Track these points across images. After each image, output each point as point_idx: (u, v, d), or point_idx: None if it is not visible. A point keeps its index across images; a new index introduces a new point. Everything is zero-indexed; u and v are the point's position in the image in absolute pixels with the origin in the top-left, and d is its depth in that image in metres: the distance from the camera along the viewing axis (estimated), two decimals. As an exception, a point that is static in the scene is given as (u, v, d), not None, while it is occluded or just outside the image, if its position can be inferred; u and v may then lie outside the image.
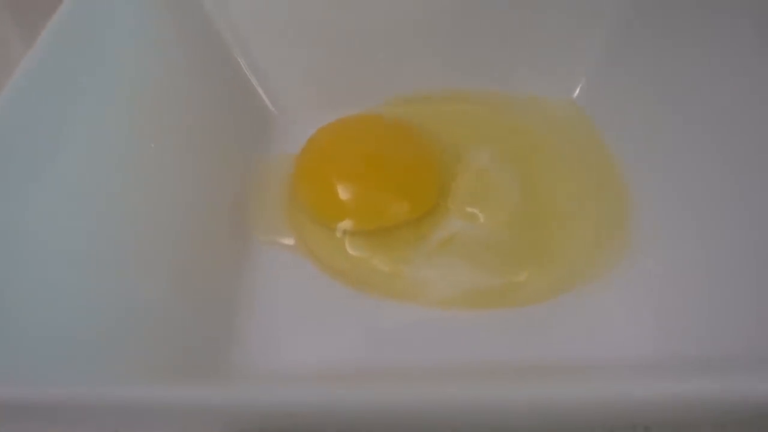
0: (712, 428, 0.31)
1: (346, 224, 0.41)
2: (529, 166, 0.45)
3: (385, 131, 0.44)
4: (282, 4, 0.46)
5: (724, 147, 0.34)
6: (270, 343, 0.36)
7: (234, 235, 0.42)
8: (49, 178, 0.31)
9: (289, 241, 0.42)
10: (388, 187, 0.41)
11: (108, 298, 0.31)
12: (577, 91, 0.48)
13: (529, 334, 0.36)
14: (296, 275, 0.40)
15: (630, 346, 0.34)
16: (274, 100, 0.50)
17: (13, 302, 0.26)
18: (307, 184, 0.43)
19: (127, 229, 0.34)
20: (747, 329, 0.29)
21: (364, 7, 0.45)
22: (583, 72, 0.48)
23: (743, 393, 0.20)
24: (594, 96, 0.47)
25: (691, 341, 0.31)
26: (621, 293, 0.37)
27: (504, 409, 0.22)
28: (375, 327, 0.37)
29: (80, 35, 0.35)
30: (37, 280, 0.28)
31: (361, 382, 0.28)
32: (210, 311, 0.37)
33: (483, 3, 0.45)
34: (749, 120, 0.32)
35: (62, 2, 0.35)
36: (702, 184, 0.35)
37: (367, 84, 0.49)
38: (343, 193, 0.40)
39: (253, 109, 0.49)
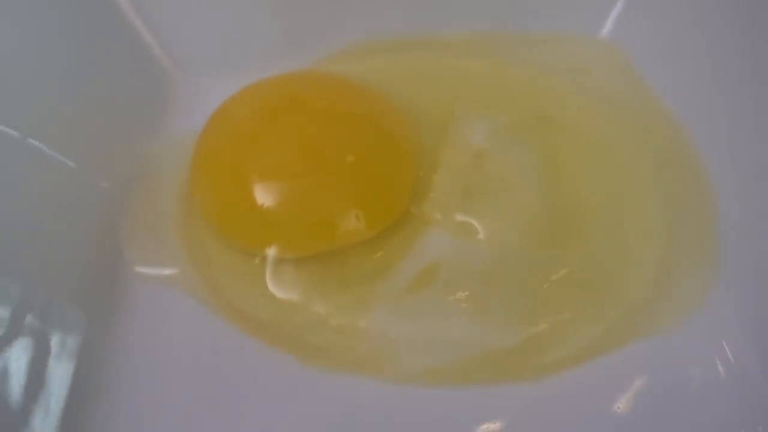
0: None
1: (268, 249, 0.35)
2: (550, 141, 0.38)
3: (328, 98, 0.38)
4: None
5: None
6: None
7: (96, 260, 0.36)
8: None
9: (183, 274, 0.36)
10: (331, 188, 0.35)
11: None
12: (608, 25, 0.43)
13: (554, 424, 0.31)
14: (192, 327, 0.34)
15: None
16: (173, 55, 0.44)
17: None
18: (209, 186, 0.37)
19: None
20: None
21: None
22: None
23: None
24: (633, 30, 0.42)
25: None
26: (696, 353, 0.32)
27: None
28: (314, 414, 0.31)
29: None
30: None
31: None
32: (45, 385, 0.31)
33: None
34: None
35: None
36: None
37: (302, 29, 0.43)
38: (263, 200, 0.34)
39: (143, 68, 0.43)
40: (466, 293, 0.34)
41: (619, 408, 0.31)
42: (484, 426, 0.31)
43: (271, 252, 0.35)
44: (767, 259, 0.32)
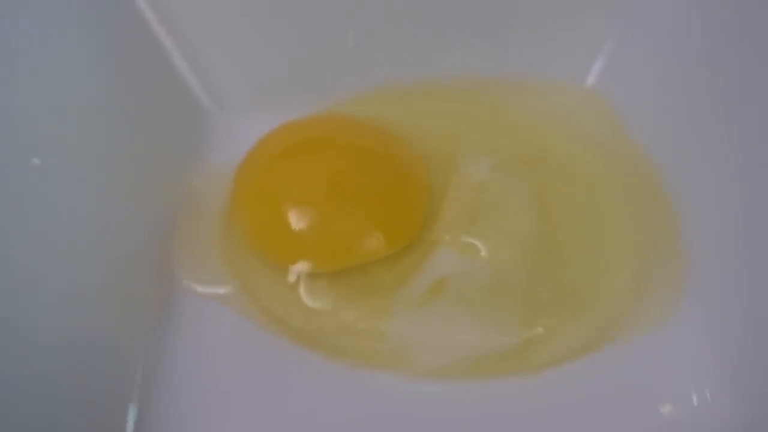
0: None
1: (301, 265, 0.36)
2: (542, 177, 0.40)
3: (352, 138, 0.39)
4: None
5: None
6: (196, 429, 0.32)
7: (151, 280, 0.37)
8: None
9: (226, 288, 0.37)
10: (356, 213, 0.36)
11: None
12: (593, 76, 0.44)
13: (552, 410, 0.32)
14: (235, 334, 0.35)
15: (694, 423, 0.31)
16: (212, 94, 0.44)
17: None
18: (249, 211, 0.38)
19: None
20: None
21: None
22: (599, 48, 0.43)
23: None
24: (615, 80, 0.43)
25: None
26: (673, 351, 0.34)
27: None
28: (342, 406, 0.33)
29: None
30: None
31: None
32: (112, 390, 0.33)
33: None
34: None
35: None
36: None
37: (329, 75, 0.44)
38: (297, 223, 0.35)
39: (185, 107, 0.44)
40: (471, 302, 0.35)
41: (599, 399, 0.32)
42: (489, 413, 0.32)
43: (304, 268, 0.36)
44: (730, 286, 0.33)
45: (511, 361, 0.34)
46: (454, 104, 0.44)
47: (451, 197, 0.39)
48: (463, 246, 0.37)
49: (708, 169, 0.36)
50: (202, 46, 0.42)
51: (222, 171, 0.40)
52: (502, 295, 0.35)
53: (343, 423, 0.33)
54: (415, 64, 0.44)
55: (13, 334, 0.29)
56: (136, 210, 0.38)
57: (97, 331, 0.33)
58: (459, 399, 0.33)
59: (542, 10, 0.42)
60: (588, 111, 0.43)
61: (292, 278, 0.36)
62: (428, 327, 0.35)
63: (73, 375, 0.31)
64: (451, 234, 0.37)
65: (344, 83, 0.44)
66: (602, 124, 0.42)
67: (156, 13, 0.41)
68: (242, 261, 0.38)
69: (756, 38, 0.32)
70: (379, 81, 0.44)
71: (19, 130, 0.32)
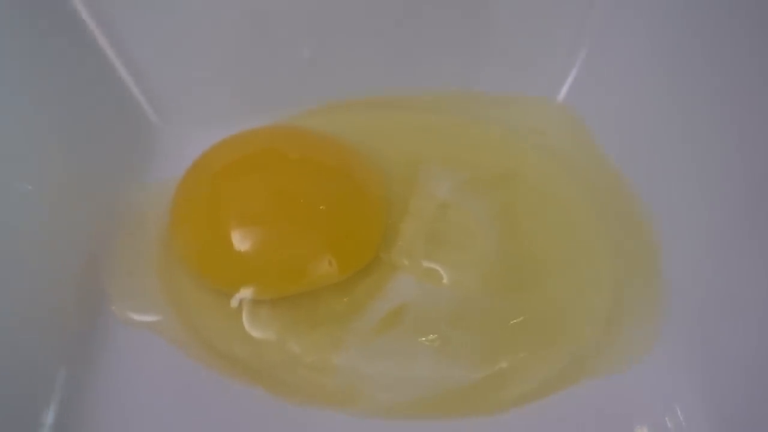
0: None
1: (244, 291, 0.35)
2: (511, 194, 0.40)
3: (302, 151, 0.38)
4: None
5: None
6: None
7: (77, 302, 0.35)
8: None
9: (161, 315, 0.36)
10: (305, 234, 0.35)
11: None
12: (565, 90, 0.44)
13: None
14: (168, 367, 0.34)
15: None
16: (156, 106, 0.44)
17: None
18: (187, 231, 0.36)
19: None
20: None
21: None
22: (571, 64, 0.43)
23: None
24: (587, 95, 0.43)
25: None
26: (655, 383, 0.33)
27: None
28: None
29: None
30: None
31: None
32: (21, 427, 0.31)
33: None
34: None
35: None
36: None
37: (284, 84, 0.44)
38: (240, 245, 0.34)
39: (126, 118, 0.43)
40: (431, 334, 0.34)
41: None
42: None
43: (248, 293, 0.35)
44: (711, 313, 0.33)
45: (473, 400, 0.33)
46: (421, 117, 0.44)
47: (411, 216, 0.38)
48: (423, 271, 0.37)
49: (684, 185, 0.36)
50: (145, 56, 0.42)
51: (164, 188, 0.39)
52: (465, 327, 0.35)
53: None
54: (381, 76, 0.44)
55: None
56: (65, 225, 0.36)
57: (17, 350, 0.32)
58: (416, 441, 0.32)
59: (514, 24, 0.42)
60: (560, 126, 0.43)
61: (234, 304, 0.35)
62: (383, 361, 0.34)
63: None
64: (411, 258, 0.37)
65: (299, 96, 0.44)
66: (574, 140, 0.42)
67: (96, 21, 0.40)
68: (180, 285, 0.37)
69: (727, 53, 0.32)
70: (336, 94, 0.44)
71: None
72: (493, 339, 0.34)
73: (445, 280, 0.36)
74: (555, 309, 0.35)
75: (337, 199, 0.37)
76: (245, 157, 0.38)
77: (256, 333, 0.35)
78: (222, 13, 0.41)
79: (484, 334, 0.34)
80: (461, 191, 0.40)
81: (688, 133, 0.35)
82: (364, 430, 0.32)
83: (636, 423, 0.32)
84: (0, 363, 0.30)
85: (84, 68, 0.40)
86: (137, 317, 0.36)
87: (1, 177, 0.33)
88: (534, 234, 0.38)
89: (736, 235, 0.32)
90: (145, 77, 0.43)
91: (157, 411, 0.33)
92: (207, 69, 0.43)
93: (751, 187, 0.31)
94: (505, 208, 0.39)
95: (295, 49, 0.43)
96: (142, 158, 0.43)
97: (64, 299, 0.35)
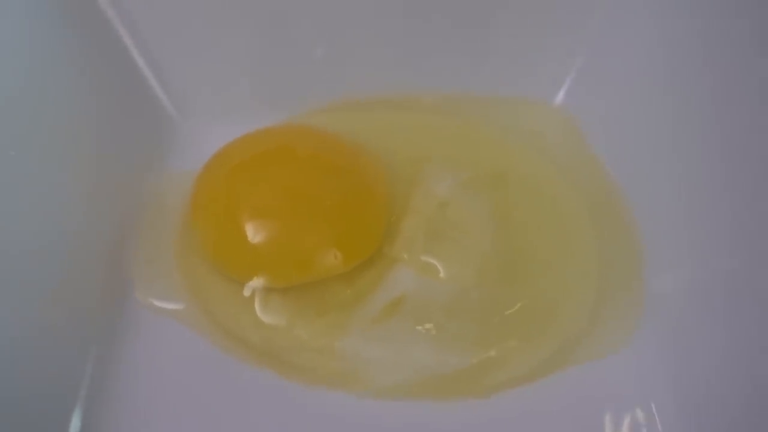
0: None
1: (257, 280, 0.36)
2: (506, 194, 0.40)
3: (312, 149, 0.39)
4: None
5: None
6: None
7: (104, 288, 0.37)
8: None
9: (180, 303, 0.37)
10: (314, 228, 0.36)
11: None
12: (562, 94, 0.45)
13: None
14: (186, 349, 0.35)
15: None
16: (176, 103, 0.45)
17: None
18: (205, 222, 0.37)
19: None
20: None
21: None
22: (569, 68, 0.44)
23: None
24: (583, 99, 0.43)
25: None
26: (631, 373, 0.34)
27: None
28: (295, 425, 0.33)
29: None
30: None
31: None
32: (55, 398, 0.32)
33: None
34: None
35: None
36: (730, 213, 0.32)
37: (296, 85, 0.45)
38: (253, 237, 0.35)
39: (147, 113, 0.44)
40: (428, 323, 0.35)
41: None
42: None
43: (260, 282, 0.35)
44: (688, 312, 0.34)
45: (467, 383, 0.34)
46: (425, 118, 0.45)
47: (413, 212, 0.39)
48: (421, 265, 0.37)
49: (671, 190, 0.36)
50: (166, 52, 0.43)
51: (183, 179, 0.40)
52: (460, 316, 0.35)
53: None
54: (388, 78, 0.45)
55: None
56: (92, 215, 0.37)
57: (42, 335, 0.32)
58: (413, 419, 0.33)
59: (513, 27, 0.43)
60: (556, 129, 0.44)
61: (247, 292, 0.36)
62: (383, 346, 0.35)
63: (13, 378, 0.30)
64: (410, 252, 0.38)
65: (310, 94, 0.45)
66: (569, 142, 0.43)
67: (120, 18, 0.41)
68: (198, 273, 0.38)
69: (723, 60, 0.33)
70: (345, 93, 0.45)
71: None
72: (486, 328, 0.35)
73: (442, 274, 0.37)
74: (544, 301, 0.36)
75: (343, 196, 0.37)
76: (260, 154, 0.39)
77: (267, 319, 0.36)
78: (239, 15, 0.42)
79: (478, 323, 0.35)
80: (460, 190, 0.40)
81: (680, 139, 0.36)
82: (365, 410, 0.33)
83: (611, 409, 0.33)
84: (31, 344, 0.32)
85: (110, 67, 0.41)
86: (159, 304, 0.37)
87: (34, 168, 0.34)
88: (527, 231, 0.39)
89: (717, 240, 0.33)
90: (166, 75, 0.44)
91: (173, 390, 0.34)
92: (224, 69, 0.44)
93: (737, 195, 0.32)
94: (500, 207, 0.40)
95: (308, 50, 0.43)
96: (162, 151, 0.43)
97: (91, 285, 0.36)
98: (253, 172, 0.38)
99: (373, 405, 0.33)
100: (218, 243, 0.37)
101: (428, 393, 0.34)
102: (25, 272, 0.32)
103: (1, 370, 0.29)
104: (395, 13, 0.42)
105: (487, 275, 0.37)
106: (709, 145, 0.33)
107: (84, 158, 0.38)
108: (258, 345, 0.35)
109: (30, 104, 0.35)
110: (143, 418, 0.33)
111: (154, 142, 0.44)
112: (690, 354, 0.33)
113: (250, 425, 0.33)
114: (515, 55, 0.44)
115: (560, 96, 0.45)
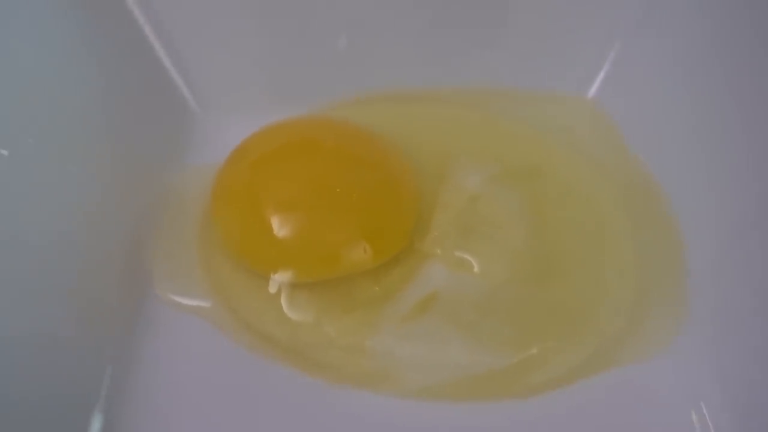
0: None
1: (283, 275, 0.35)
2: (539, 189, 0.40)
3: (339, 142, 0.38)
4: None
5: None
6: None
7: (125, 283, 0.36)
8: None
9: (203, 298, 0.36)
10: (342, 221, 0.35)
11: None
12: (595, 88, 0.44)
13: None
14: (209, 345, 0.35)
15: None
16: (197, 96, 0.45)
17: None
18: (228, 216, 0.37)
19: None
20: None
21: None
22: (602, 62, 0.43)
23: None
24: (616, 93, 0.43)
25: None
26: (676, 374, 0.33)
27: None
28: (322, 425, 0.32)
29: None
30: None
31: None
32: (76, 395, 0.32)
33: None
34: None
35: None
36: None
37: (319, 76, 0.44)
38: (279, 230, 0.34)
39: (169, 106, 0.44)
40: (461, 320, 0.34)
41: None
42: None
43: (287, 277, 0.35)
44: (733, 308, 0.33)
45: (503, 384, 0.33)
46: (451, 112, 0.44)
47: (443, 207, 0.38)
48: (454, 260, 0.37)
49: (709, 184, 0.36)
50: (188, 46, 0.43)
51: (204, 173, 0.39)
52: (495, 314, 0.35)
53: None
54: (413, 70, 0.44)
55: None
56: (112, 208, 0.37)
57: (63, 332, 0.32)
58: (446, 421, 0.32)
59: (545, 20, 0.42)
60: (589, 123, 0.43)
61: (272, 288, 0.35)
62: (415, 344, 0.34)
63: (35, 375, 0.30)
64: (443, 247, 0.37)
65: (335, 87, 0.44)
66: (603, 137, 0.42)
67: (144, 12, 0.41)
68: (221, 268, 0.37)
69: (761, 55, 0.32)
70: (371, 86, 0.44)
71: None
72: (521, 327, 0.34)
73: (475, 269, 0.36)
74: (581, 300, 0.35)
75: (371, 189, 0.37)
76: (284, 146, 0.38)
77: (293, 315, 0.35)
78: (260, 9, 0.42)
79: (513, 322, 0.35)
80: (490, 185, 0.40)
81: (714, 132, 0.35)
82: (395, 411, 0.32)
83: (659, 414, 0.32)
84: (50, 343, 0.31)
85: (134, 64, 0.42)
86: (180, 300, 0.36)
87: (54, 163, 0.34)
88: (561, 227, 0.38)
89: (759, 233, 0.32)
90: (188, 70, 0.44)
91: (196, 387, 0.34)
92: (245, 62, 0.44)
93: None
94: (532, 202, 0.39)
95: (331, 43, 0.43)
96: (183, 145, 0.43)
97: (111, 281, 0.36)
98: (278, 163, 0.37)
99: (404, 406, 0.33)
100: (241, 236, 0.36)
101: (462, 394, 0.33)
102: (44, 269, 0.32)
103: (21, 370, 0.29)
104: (420, 3, 0.42)
105: (520, 272, 0.36)
106: (747, 137, 0.33)
107: (106, 153, 0.38)
108: (283, 341, 0.34)
109: (53, 99, 0.35)
110: (164, 418, 0.32)
111: (176, 136, 0.44)
112: (737, 353, 0.32)
113: (275, 425, 0.32)
114: (547, 49, 0.43)
115: (593, 90, 0.44)
